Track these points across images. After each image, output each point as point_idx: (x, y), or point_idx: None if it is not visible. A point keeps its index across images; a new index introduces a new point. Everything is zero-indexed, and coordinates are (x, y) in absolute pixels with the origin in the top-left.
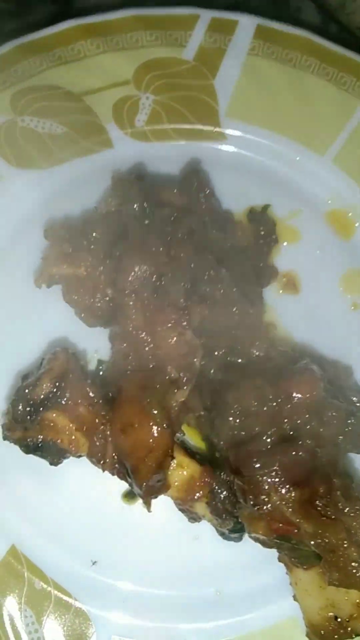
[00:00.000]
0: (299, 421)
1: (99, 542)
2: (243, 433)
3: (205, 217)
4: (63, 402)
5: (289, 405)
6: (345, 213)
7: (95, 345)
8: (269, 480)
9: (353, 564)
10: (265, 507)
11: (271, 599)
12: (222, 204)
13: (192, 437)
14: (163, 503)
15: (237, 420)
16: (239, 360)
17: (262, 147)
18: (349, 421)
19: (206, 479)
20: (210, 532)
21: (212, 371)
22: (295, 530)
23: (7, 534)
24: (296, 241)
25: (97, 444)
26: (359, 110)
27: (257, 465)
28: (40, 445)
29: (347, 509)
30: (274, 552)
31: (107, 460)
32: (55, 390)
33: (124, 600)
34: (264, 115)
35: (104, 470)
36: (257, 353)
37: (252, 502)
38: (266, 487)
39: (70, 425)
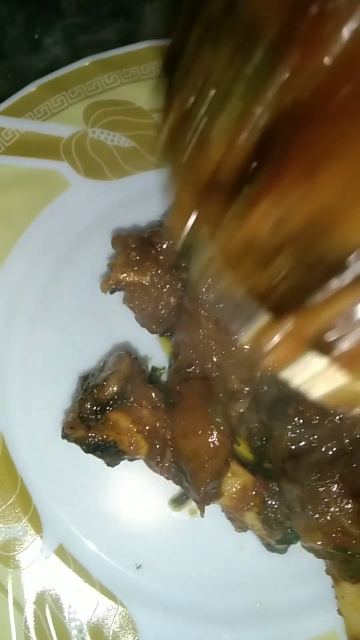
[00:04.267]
0: (358, 435)
1: (145, 547)
2: (302, 444)
3: None
4: (128, 403)
5: (348, 420)
6: None
7: (149, 352)
8: (329, 491)
9: None
10: (324, 518)
11: (313, 612)
12: None
13: (242, 450)
14: (210, 511)
15: (297, 432)
16: None
17: None
18: None
19: (259, 489)
20: (254, 543)
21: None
22: (354, 542)
23: (56, 533)
24: None
25: (157, 447)
26: None
27: (317, 476)
28: (100, 445)
29: None
30: (316, 565)
31: (166, 464)
32: (121, 391)
33: (167, 607)
34: None
35: (161, 474)
36: None
37: (310, 512)
38: (326, 497)
39: (132, 426)
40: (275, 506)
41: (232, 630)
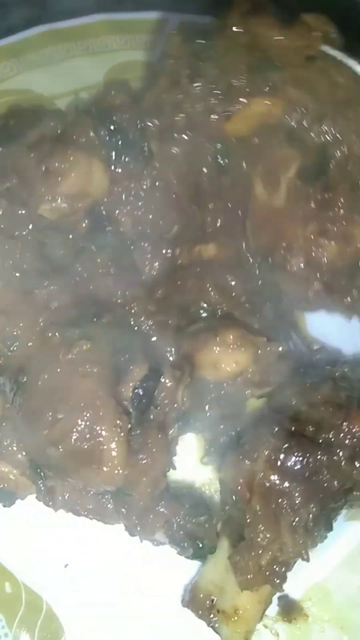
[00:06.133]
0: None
1: (72, 544)
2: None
3: None
4: (2, 450)
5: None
6: None
7: None
8: (269, 447)
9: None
10: (250, 463)
11: None
12: None
13: None
14: None
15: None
16: None
17: None
18: None
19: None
20: None
21: None
22: (248, 495)
23: None
24: None
25: (42, 487)
26: None
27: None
28: None
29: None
30: None
31: (59, 499)
32: None
33: (97, 605)
34: None
35: (56, 510)
36: None
37: (243, 451)
38: (264, 451)
39: (14, 470)
40: (181, 523)
41: (165, 629)
